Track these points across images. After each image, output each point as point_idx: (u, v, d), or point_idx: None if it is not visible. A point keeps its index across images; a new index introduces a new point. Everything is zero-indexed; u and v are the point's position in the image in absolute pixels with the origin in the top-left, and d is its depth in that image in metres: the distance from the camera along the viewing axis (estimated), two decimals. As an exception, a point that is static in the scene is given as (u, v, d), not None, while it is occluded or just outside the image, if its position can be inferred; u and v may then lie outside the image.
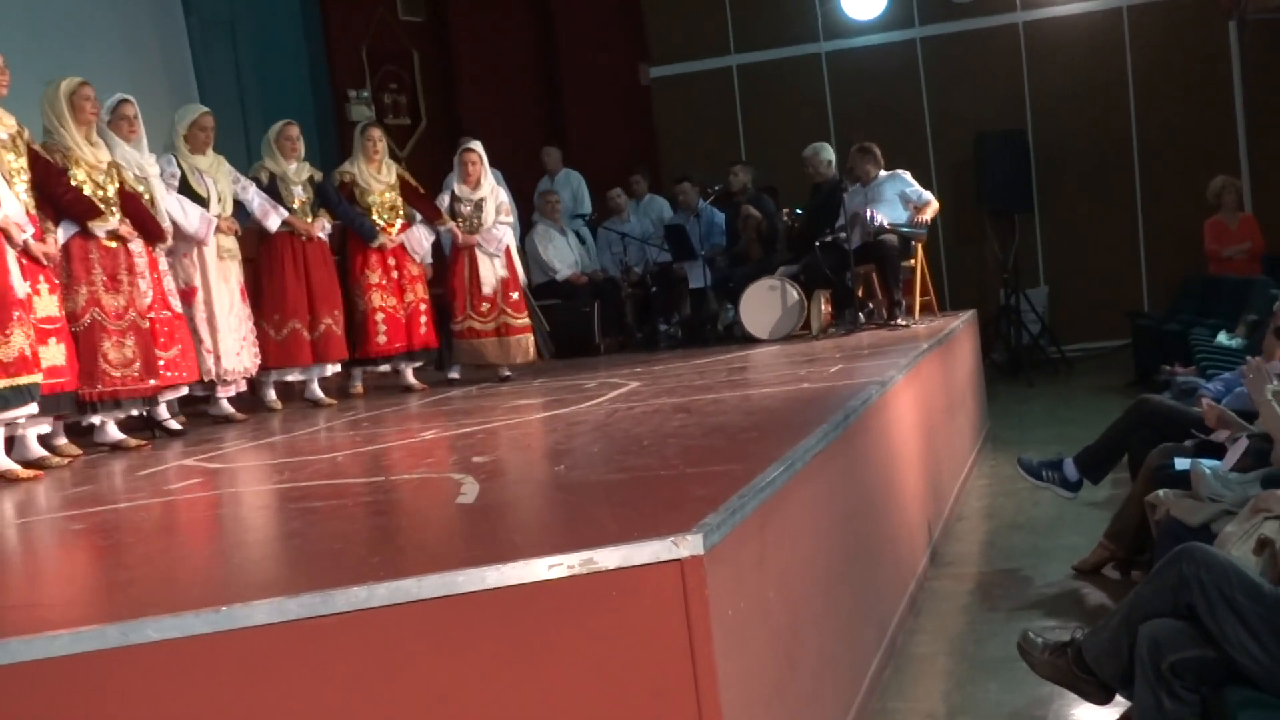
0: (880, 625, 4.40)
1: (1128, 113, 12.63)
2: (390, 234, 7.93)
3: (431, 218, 8.19)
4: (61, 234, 5.84)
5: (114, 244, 6.04)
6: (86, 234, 5.92)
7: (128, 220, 6.12)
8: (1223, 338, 8.27)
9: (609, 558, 2.52)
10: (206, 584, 2.98)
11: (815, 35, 13.30)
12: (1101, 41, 12.61)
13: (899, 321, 8.78)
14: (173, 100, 6.98)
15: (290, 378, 7.61)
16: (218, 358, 6.88)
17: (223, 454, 5.59)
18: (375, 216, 7.90)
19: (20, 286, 5.25)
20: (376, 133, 8.14)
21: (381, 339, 7.83)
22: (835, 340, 8.40)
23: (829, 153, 10.00)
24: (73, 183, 5.86)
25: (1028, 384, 11.17)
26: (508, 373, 8.29)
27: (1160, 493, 4.21)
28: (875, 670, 4.13)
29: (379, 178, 8.00)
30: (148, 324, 6.16)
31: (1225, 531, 3.49)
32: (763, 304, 9.09)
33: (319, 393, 7.63)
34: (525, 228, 10.97)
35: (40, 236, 5.52)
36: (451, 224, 8.19)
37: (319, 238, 7.62)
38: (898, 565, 4.95)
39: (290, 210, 7.45)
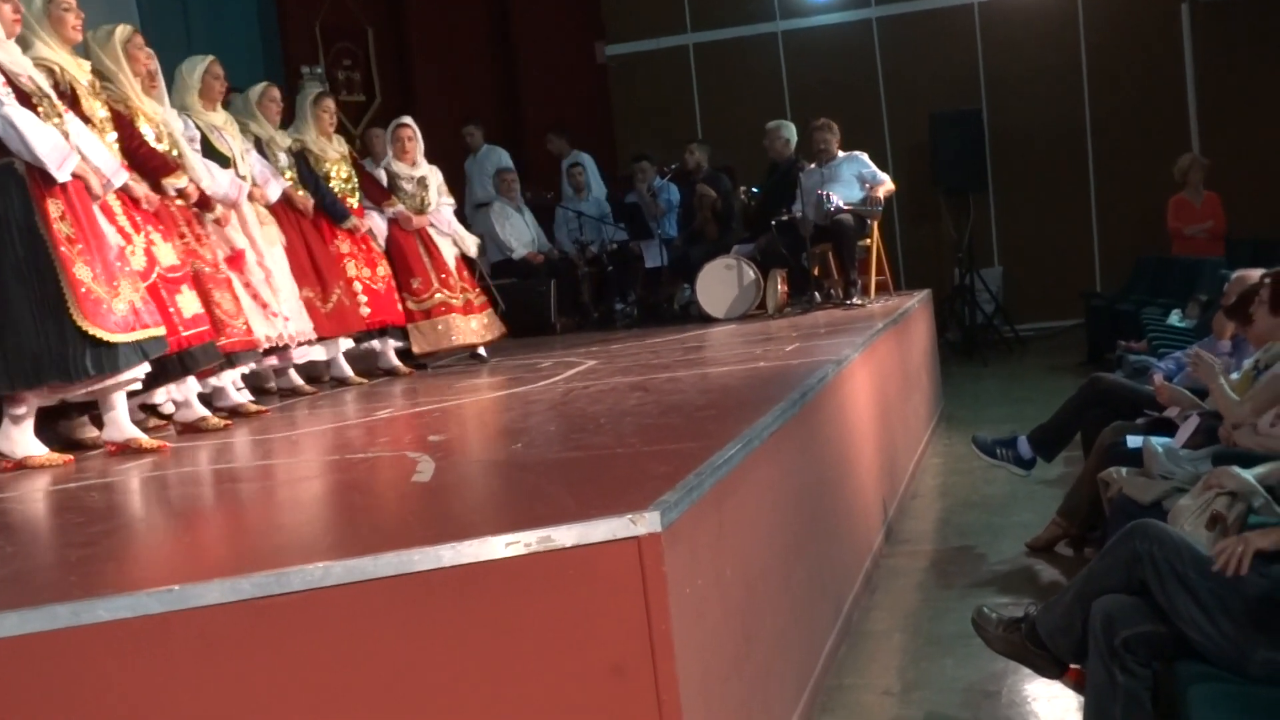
0: (836, 602, 4.42)
1: (1081, 93, 12.72)
2: (361, 218, 7.50)
3: (379, 200, 7.79)
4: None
5: (180, 201, 5.63)
6: (159, 190, 5.46)
7: (190, 178, 5.68)
8: (1174, 318, 8.35)
9: (566, 535, 2.51)
10: (158, 563, 2.95)
11: (772, 14, 13.31)
12: (1056, 22, 12.69)
13: (854, 301, 8.82)
14: None
15: (308, 358, 6.94)
16: (285, 319, 6.37)
17: (183, 433, 5.51)
18: (333, 186, 7.42)
19: (113, 236, 4.87)
20: (330, 103, 7.69)
21: (365, 310, 7.25)
22: (791, 319, 8.42)
23: (790, 131, 10.01)
24: (142, 136, 5.48)
25: (982, 363, 11.25)
26: (483, 351, 7.98)
27: (1113, 470, 4.24)
28: (831, 647, 4.15)
29: (332, 147, 7.58)
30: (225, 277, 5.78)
31: (1177, 507, 3.51)
32: (719, 283, 9.08)
33: (347, 369, 7.16)
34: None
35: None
36: (400, 206, 7.83)
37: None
38: (853, 543, 4.97)
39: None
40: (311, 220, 7.12)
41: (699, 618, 2.77)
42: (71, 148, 4.69)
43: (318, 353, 6.93)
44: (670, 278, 10.22)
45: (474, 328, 7.90)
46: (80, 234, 4.63)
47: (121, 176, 5.04)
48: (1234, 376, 4.40)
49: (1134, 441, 4.54)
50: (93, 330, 4.51)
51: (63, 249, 4.55)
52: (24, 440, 4.69)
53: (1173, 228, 10.78)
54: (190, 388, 5.41)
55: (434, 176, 8.17)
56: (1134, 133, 12.43)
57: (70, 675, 2.41)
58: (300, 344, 6.53)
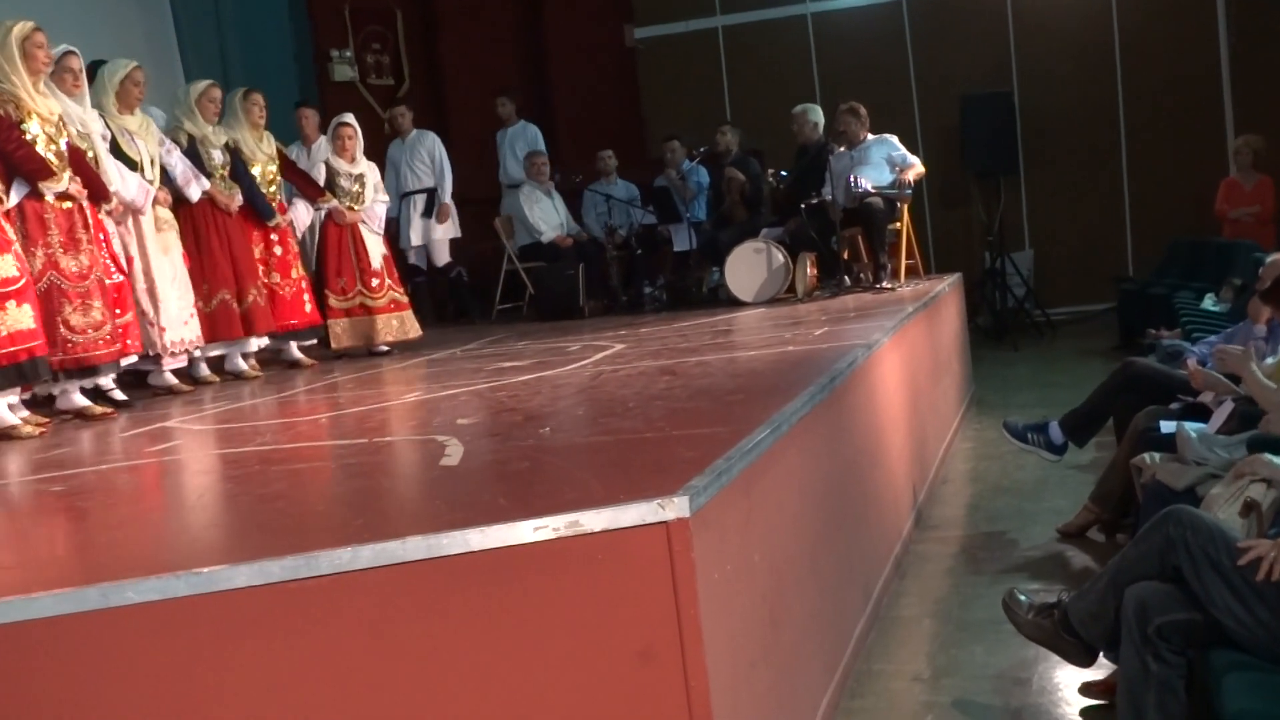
0: (865, 588, 4.40)
1: (1114, 75, 12.59)
2: (284, 214, 7.64)
3: (313, 196, 7.96)
4: (14, 194, 5.47)
5: (68, 204, 5.68)
6: (37, 194, 5.53)
7: (78, 179, 5.74)
8: (1208, 302, 8.27)
9: (594, 520, 2.50)
10: (188, 546, 2.95)
11: (801, -4, 13.25)
12: (1088, 3, 12.56)
13: (884, 285, 8.76)
14: (154, 61, 6.71)
15: (214, 352, 7.18)
16: (162, 329, 6.53)
17: (200, 417, 5.55)
18: (263, 186, 7.53)
19: None
20: (259, 98, 7.73)
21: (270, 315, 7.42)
22: (820, 303, 8.38)
23: (817, 114, 9.96)
24: (26, 137, 5.48)
25: (1012, 347, 11.18)
26: (386, 347, 8.11)
27: (1146, 456, 4.20)
28: (860, 632, 4.13)
29: (261, 148, 7.64)
30: (111, 284, 5.88)
31: (1211, 494, 3.48)
32: (748, 267, 9.04)
33: (243, 364, 7.28)
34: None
35: None
36: (335, 201, 8.00)
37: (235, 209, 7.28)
38: (883, 528, 4.95)
39: (209, 176, 7.10)
40: (236, 219, 7.29)
41: (727, 603, 2.76)
42: None
43: (218, 349, 7.15)
44: (699, 261, 10.18)
45: (393, 325, 8.13)
46: None
47: None
48: (1268, 362, 4.34)
49: (1167, 427, 4.50)
50: None
51: None
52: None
53: (1219, 210, 10.58)
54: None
55: (371, 174, 8.34)
56: (1167, 115, 12.30)
57: (100, 657, 2.42)
58: (174, 354, 6.64)
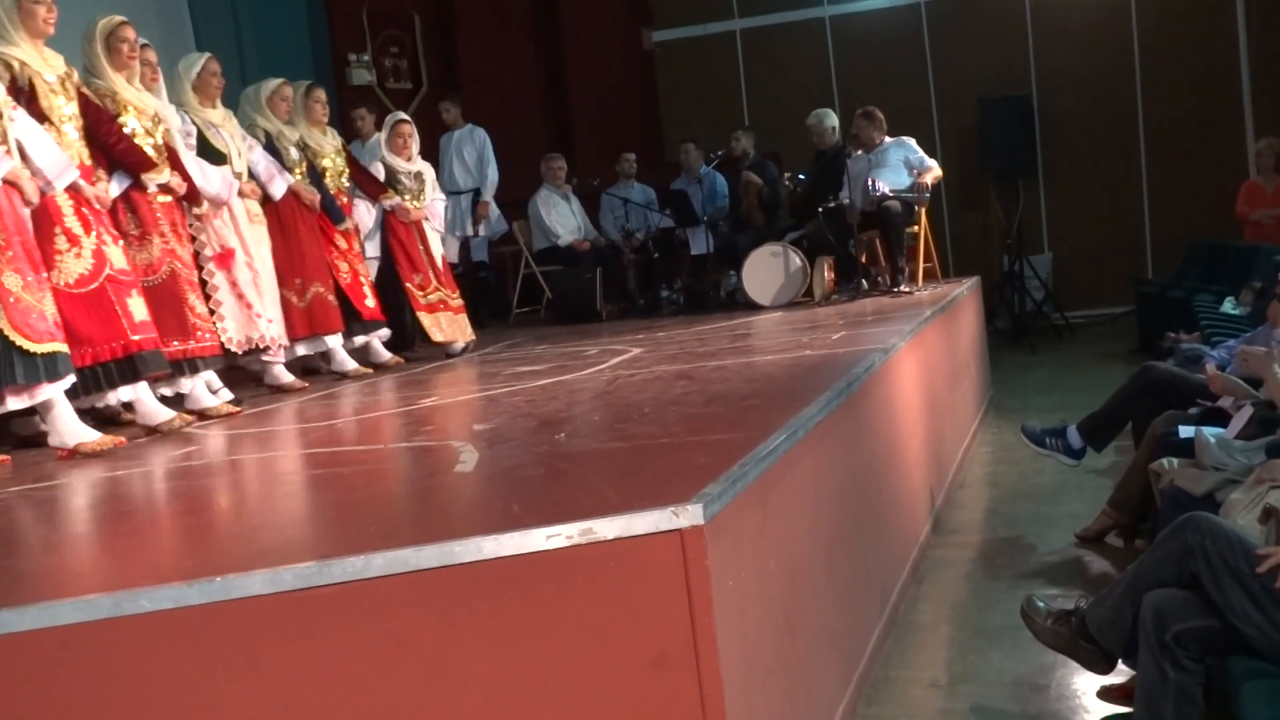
0: (883, 594, 4.38)
1: (1133, 77, 12.54)
2: (351, 213, 7.54)
3: (375, 193, 7.82)
4: (115, 186, 5.39)
5: (167, 198, 5.65)
6: (140, 186, 5.50)
7: (178, 173, 5.71)
8: (1228, 306, 8.22)
9: (608, 528, 2.49)
10: (201, 553, 2.96)
11: (819, -1, 13.23)
12: (1107, 5, 12.53)
13: (902, 288, 8.74)
14: (171, 65, 6.66)
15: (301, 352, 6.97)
16: (270, 320, 6.39)
17: (214, 424, 5.55)
18: (329, 182, 7.43)
19: (37, 250, 4.76)
20: (321, 94, 7.62)
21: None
22: (838, 307, 8.36)
23: (833, 119, 9.95)
24: (124, 130, 5.45)
25: (1031, 351, 11.14)
26: (463, 345, 7.97)
27: (1164, 461, 4.18)
28: (877, 639, 4.11)
29: (328, 141, 7.57)
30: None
31: (1230, 500, 3.46)
32: (765, 270, 9.04)
33: (351, 362, 7.12)
34: (530, 193, 10.94)
35: (89, 176, 5.11)
36: (398, 199, 7.85)
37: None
38: (900, 533, 4.93)
39: (289, 172, 6.99)
40: (318, 216, 7.17)
41: (742, 610, 2.75)
42: (3, 153, 4.62)
43: (305, 349, 6.95)
44: (716, 264, 10.18)
45: (458, 326, 7.99)
46: (8, 242, 4.56)
47: (69, 176, 4.94)
48: (1289, 366, 4.31)
49: (1186, 432, 4.48)
50: (18, 340, 4.48)
51: None
52: (69, 429, 4.69)
53: (1240, 212, 10.46)
54: (144, 389, 5.25)
55: (429, 172, 8.24)
56: (1187, 117, 12.25)
57: (113, 666, 2.42)
58: (282, 345, 6.53)
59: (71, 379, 4.72)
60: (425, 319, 7.79)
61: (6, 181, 4.62)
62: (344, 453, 4.34)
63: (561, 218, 10.79)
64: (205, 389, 5.70)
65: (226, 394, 5.99)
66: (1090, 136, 12.58)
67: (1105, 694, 3.57)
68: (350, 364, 7.10)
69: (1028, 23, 12.72)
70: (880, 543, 4.53)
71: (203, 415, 5.55)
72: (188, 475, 4.20)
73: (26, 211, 4.75)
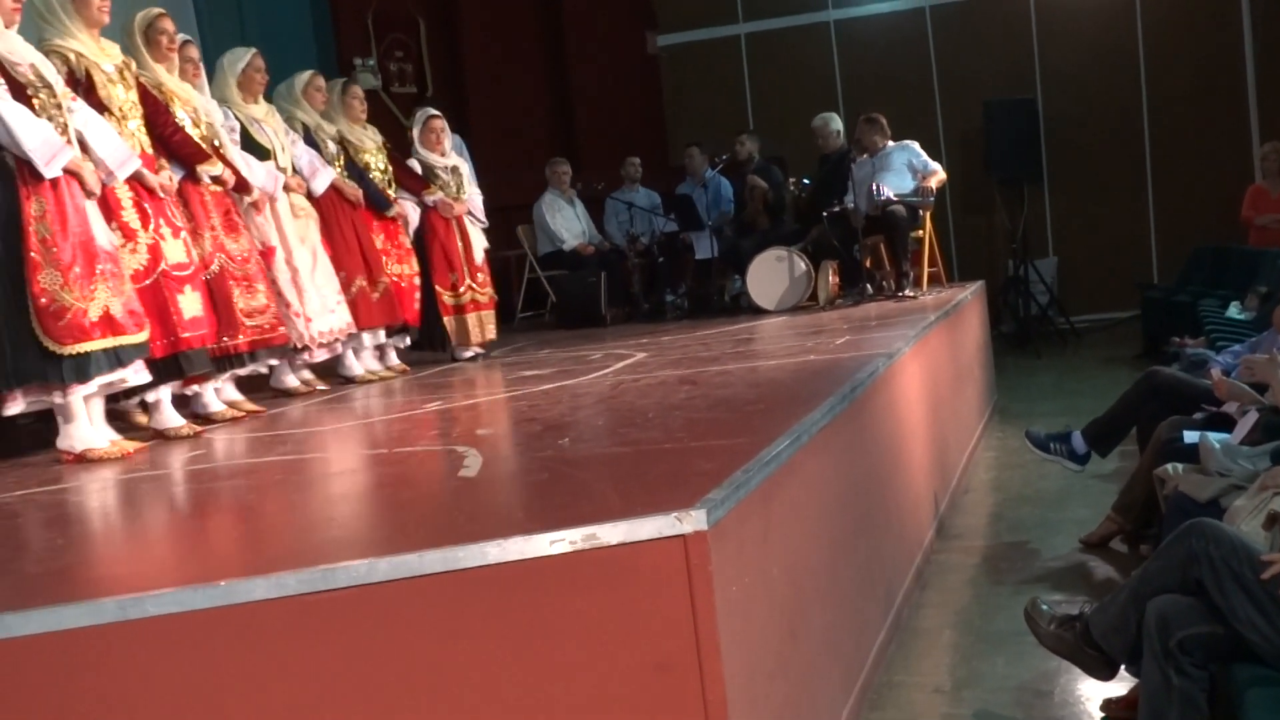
0: (886, 599, 4.38)
1: (1138, 81, 12.54)
2: (400, 205, 7.43)
3: (417, 189, 7.70)
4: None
5: (218, 188, 5.63)
6: (195, 179, 5.49)
7: (224, 163, 5.70)
8: (1233, 310, 8.21)
9: (611, 534, 2.49)
10: (206, 558, 2.96)
11: (824, 3, 13.24)
12: (1112, 9, 12.53)
13: (907, 293, 8.73)
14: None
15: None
16: (308, 319, 6.32)
17: (221, 428, 5.54)
18: (375, 177, 7.33)
19: (104, 236, 4.72)
20: (359, 90, 7.54)
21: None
22: (843, 311, 8.36)
23: (837, 123, 9.96)
24: (177, 121, 5.46)
25: (1036, 355, 11.14)
26: (472, 353, 7.85)
27: (1169, 467, 4.17)
28: (881, 644, 4.11)
29: (369, 136, 7.48)
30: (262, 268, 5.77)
31: (1234, 506, 3.45)
32: (770, 275, 9.04)
33: (358, 368, 7.04)
34: (534, 198, 10.94)
35: (152, 165, 5.10)
36: (440, 194, 7.75)
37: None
38: (904, 538, 4.93)
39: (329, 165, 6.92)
40: (361, 210, 7.07)
41: (745, 615, 2.75)
42: (64, 143, 4.60)
43: (367, 340, 6.88)
44: (721, 269, 10.19)
45: (488, 325, 7.94)
46: (61, 234, 4.54)
47: (131, 166, 4.93)
48: (1294, 371, 4.31)
49: (1191, 437, 4.47)
50: (46, 342, 4.48)
51: (33, 254, 4.47)
52: (80, 433, 4.69)
53: (1245, 217, 10.43)
54: (164, 394, 5.23)
55: (464, 165, 8.14)
56: (1192, 121, 12.24)
57: (118, 670, 2.42)
58: (321, 345, 6.48)
59: (100, 381, 4.68)
60: (451, 323, 7.72)
61: (67, 171, 4.60)
62: (348, 458, 4.34)
63: (566, 222, 10.79)
64: (213, 395, 5.66)
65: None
66: (1095, 140, 12.57)
67: (1108, 707, 3.56)
68: (358, 369, 7.04)
69: (1032, 26, 12.72)
70: (884, 548, 4.53)
71: (209, 420, 5.53)
72: (194, 479, 4.20)
73: (87, 203, 4.72)
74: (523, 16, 13.28)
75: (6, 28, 4.64)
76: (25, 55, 4.66)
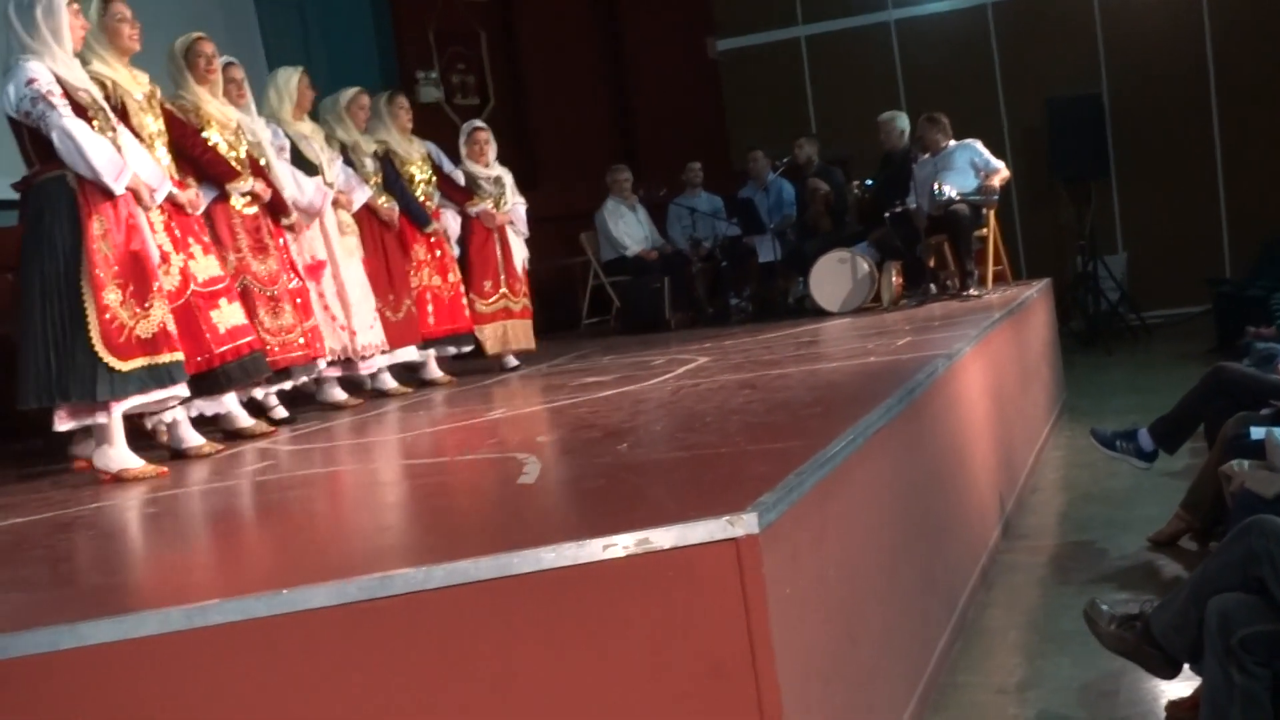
0: (950, 600, 4.37)
1: (1206, 73, 12.37)
2: (437, 220, 7.54)
3: (461, 200, 7.84)
4: (202, 199, 5.50)
5: (253, 209, 5.75)
6: (225, 198, 5.63)
7: (261, 180, 5.81)
8: (1305, 303, 8.08)
9: (664, 538, 2.52)
10: (268, 567, 3.02)
11: (884, 3, 13.19)
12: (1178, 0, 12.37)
13: (971, 292, 8.67)
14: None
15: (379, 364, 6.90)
16: (353, 333, 6.49)
17: (293, 435, 5.65)
18: (417, 191, 7.46)
19: (157, 254, 4.88)
20: (405, 101, 7.68)
21: (431, 320, 7.35)
22: (906, 312, 8.33)
23: (904, 121, 9.87)
24: (209, 143, 5.59)
25: (1106, 352, 11.01)
26: (516, 362, 7.95)
27: (1235, 463, 4.12)
28: (945, 644, 4.10)
29: (415, 149, 7.61)
30: (293, 289, 5.90)
31: (1299, 503, 3.42)
32: (833, 277, 9.02)
33: (391, 381, 7.12)
34: (596, 205, 10.99)
35: (181, 186, 5.22)
36: (485, 205, 7.89)
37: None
38: (968, 539, 4.90)
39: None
40: (394, 231, 7.19)
41: (800, 618, 2.76)
42: (125, 161, 4.73)
43: (381, 361, 6.90)
44: (784, 272, 10.18)
45: (523, 333, 8.00)
46: (122, 253, 4.67)
47: (166, 188, 5.04)
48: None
49: (1257, 433, 4.42)
50: (106, 357, 4.57)
51: (98, 271, 4.59)
52: (119, 454, 4.78)
53: None
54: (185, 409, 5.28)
55: (507, 177, 8.24)
56: (1262, 112, 12.05)
57: (185, 677, 2.48)
58: (365, 357, 6.59)
59: (156, 396, 4.80)
60: (483, 331, 7.80)
61: (128, 189, 4.73)
62: (410, 466, 4.40)
63: (628, 228, 10.83)
64: (240, 408, 5.74)
65: (282, 412, 6.13)
66: (1164, 133, 12.41)
67: (1173, 708, 3.52)
68: (391, 383, 7.10)
69: (1096, 21, 12.59)
70: (947, 548, 4.51)
71: (239, 434, 5.62)
72: (253, 491, 4.28)
73: (142, 218, 4.84)
74: (582, 26, 13.33)
75: (75, 51, 4.79)
76: (82, 79, 4.81)
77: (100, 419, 4.72)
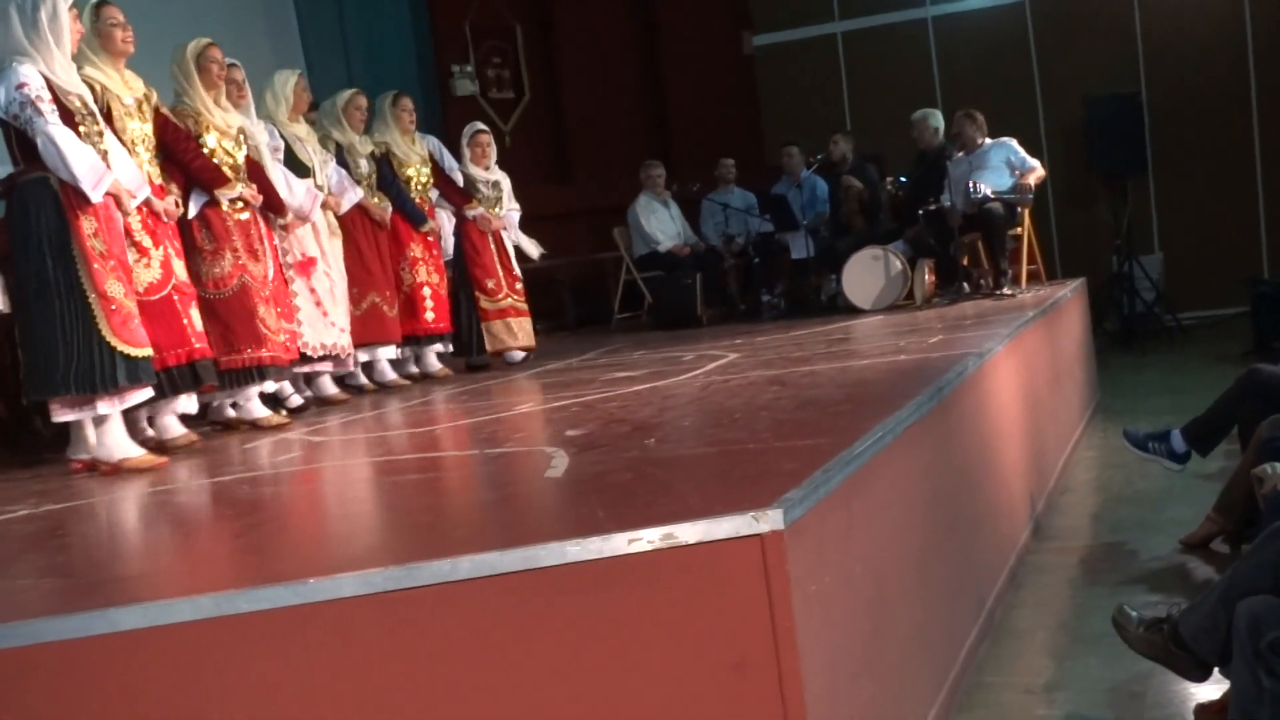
0: (978, 599, 4.35)
1: (1246, 71, 12.24)
2: (433, 219, 7.70)
3: (459, 202, 7.98)
4: (194, 205, 5.64)
5: (245, 214, 5.84)
6: (215, 203, 5.71)
7: (253, 185, 5.92)
8: (1344, 304, 8.00)
9: (689, 533, 2.52)
10: (297, 556, 3.05)
11: (921, 0, 13.11)
12: (1218, -1, 12.27)
13: (1005, 291, 8.63)
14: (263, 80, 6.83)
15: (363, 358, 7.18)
16: (342, 330, 6.66)
17: (317, 429, 5.69)
18: (413, 192, 7.60)
19: (129, 257, 5.02)
20: (408, 103, 7.81)
21: (430, 315, 7.54)
22: (939, 310, 8.30)
23: (938, 119, 9.83)
24: (204, 149, 5.70)
25: (1141, 353, 10.93)
26: (522, 355, 8.11)
27: (1268, 466, 4.09)
28: (972, 644, 4.09)
29: (415, 150, 7.74)
30: (280, 291, 6.01)
31: (1333, 506, 3.39)
32: (866, 274, 9.01)
33: (391, 373, 7.32)
34: (629, 200, 11.00)
35: (160, 194, 5.30)
36: (482, 208, 8.02)
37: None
38: (997, 538, 4.88)
39: (356, 184, 7.16)
40: (385, 230, 7.32)
41: (826, 615, 2.76)
42: (107, 168, 4.84)
43: (364, 354, 7.09)
44: (817, 269, 10.16)
45: (526, 331, 8.11)
46: (111, 251, 4.80)
47: (144, 192, 5.14)
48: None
49: (1291, 435, 4.38)
50: (120, 346, 4.70)
51: (96, 265, 4.72)
52: (121, 444, 4.86)
53: None
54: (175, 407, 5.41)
55: (505, 181, 8.36)
56: (1303, 112, 11.94)
57: (213, 664, 2.51)
58: (348, 354, 6.73)
59: (150, 391, 4.95)
60: (493, 327, 7.94)
61: (109, 194, 4.85)
62: (437, 458, 4.42)
63: (661, 224, 10.84)
64: (259, 403, 5.90)
65: (297, 400, 6.31)
66: (1202, 133, 12.29)
67: (1201, 711, 3.50)
68: (390, 374, 7.28)
69: (1136, 19, 12.48)
70: (976, 547, 4.50)
71: (254, 425, 5.76)
72: (275, 482, 4.32)
73: (120, 221, 4.97)
74: (618, 20, 13.35)
75: (72, 55, 4.91)
76: (76, 84, 4.92)
77: (104, 409, 4.81)
